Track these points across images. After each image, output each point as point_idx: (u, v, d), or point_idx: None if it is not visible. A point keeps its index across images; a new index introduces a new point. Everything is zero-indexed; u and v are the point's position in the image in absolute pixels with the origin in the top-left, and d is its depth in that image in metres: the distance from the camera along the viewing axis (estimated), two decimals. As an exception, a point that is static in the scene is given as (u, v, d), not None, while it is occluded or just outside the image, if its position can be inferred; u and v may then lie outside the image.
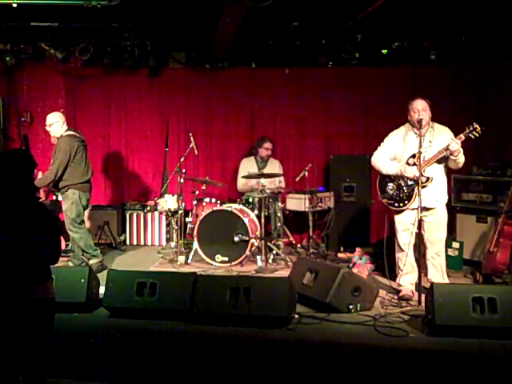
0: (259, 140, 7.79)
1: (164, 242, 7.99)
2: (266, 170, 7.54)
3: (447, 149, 5.18)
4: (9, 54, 7.66)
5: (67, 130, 6.50)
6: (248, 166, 7.69)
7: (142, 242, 8.09)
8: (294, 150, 8.30)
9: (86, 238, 6.53)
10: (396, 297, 5.44)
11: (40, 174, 6.43)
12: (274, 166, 7.70)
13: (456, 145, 5.14)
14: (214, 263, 6.75)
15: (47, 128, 6.55)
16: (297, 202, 7.47)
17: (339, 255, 7.26)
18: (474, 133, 5.15)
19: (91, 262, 6.48)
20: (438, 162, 5.33)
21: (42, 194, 6.60)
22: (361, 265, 6.43)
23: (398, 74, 7.97)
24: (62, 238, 6.60)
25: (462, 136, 5.19)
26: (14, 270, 3.04)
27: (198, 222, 6.88)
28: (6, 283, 3.03)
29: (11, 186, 3.15)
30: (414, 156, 5.32)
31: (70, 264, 6.43)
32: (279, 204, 7.25)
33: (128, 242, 8.06)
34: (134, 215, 8.10)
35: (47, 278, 3.18)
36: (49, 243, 3.13)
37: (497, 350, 4.15)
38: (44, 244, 3.09)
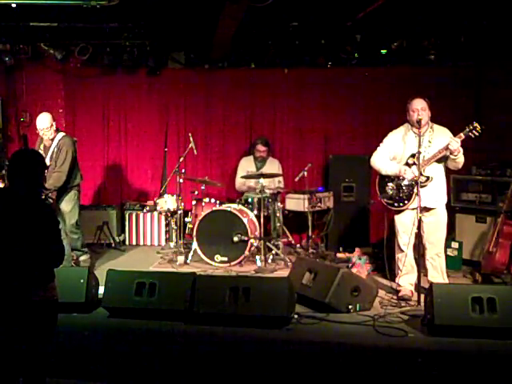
0: (254, 140, 7.82)
1: (163, 242, 7.98)
2: (264, 170, 7.54)
3: (447, 148, 5.16)
4: (8, 54, 7.66)
5: (58, 131, 6.26)
6: (247, 165, 7.70)
7: (141, 242, 8.08)
8: (293, 150, 8.30)
9: (82, 237, 6.46)
10: (395, 297, 5.43)
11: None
12: (273, 166, 7.70)
13: (456, 144, 5.12)
14: (213, 263, 6.74)
15: (42, 131, 6.13)
16: (296, 202, 7.47)
17: (338, 255, 7.24)
18: (474, 132, 5.12)
19: (82, 258, 6.43)
20: (438, 161, 5.32)
21: (53, 195, 6.30)
22: (360, 265, 6.43)
23: (397, 74, 7.96)
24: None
25: (462, 135, 5.16)
26: (18, 271, 3.01)
27: (197, 222, 6.87)
28: (9, 285, 3.01)
29: (23, 185, 3.11)
30: (413, 156, 5.32)
31: None
32: (278, 204, 7.24)
33: (127, 242, 8.05)
34: (134, 215, 8.09)
35: (50, 279, 3.16)
36: (54, 244, 3.10)
37: (496, 350, 4.16)
38: (49, 245, 3.07)
